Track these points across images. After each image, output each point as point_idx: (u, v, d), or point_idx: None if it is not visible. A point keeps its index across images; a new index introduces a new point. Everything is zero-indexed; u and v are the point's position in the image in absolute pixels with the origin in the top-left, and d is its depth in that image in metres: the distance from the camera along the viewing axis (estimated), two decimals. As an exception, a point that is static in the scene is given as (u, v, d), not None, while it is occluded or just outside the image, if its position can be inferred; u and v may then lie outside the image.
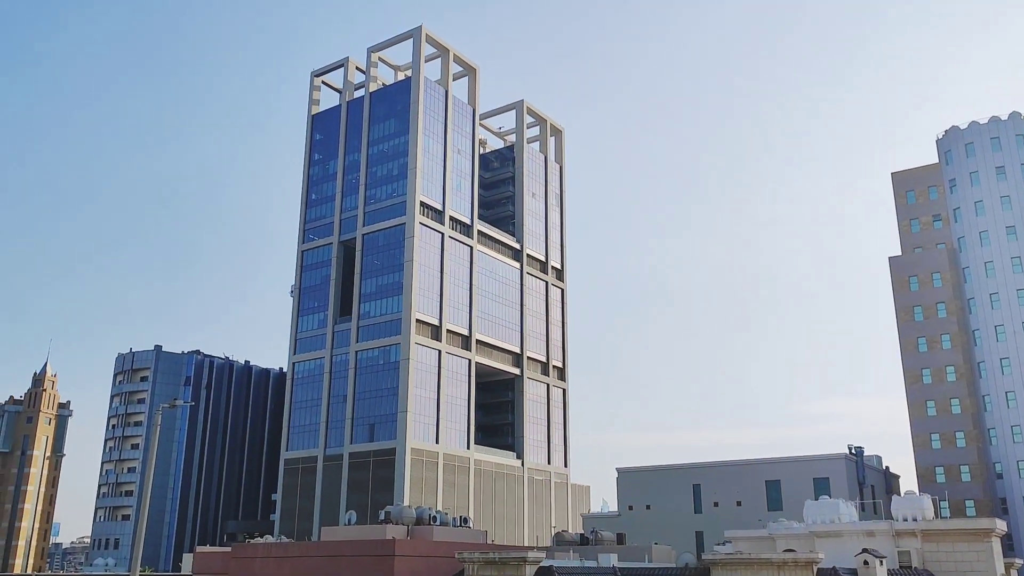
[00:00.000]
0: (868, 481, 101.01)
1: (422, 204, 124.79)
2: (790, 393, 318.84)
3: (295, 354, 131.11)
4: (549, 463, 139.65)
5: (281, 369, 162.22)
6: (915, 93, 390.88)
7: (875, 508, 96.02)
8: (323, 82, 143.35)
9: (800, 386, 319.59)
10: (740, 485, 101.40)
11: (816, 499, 79.46)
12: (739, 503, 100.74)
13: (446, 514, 67.87)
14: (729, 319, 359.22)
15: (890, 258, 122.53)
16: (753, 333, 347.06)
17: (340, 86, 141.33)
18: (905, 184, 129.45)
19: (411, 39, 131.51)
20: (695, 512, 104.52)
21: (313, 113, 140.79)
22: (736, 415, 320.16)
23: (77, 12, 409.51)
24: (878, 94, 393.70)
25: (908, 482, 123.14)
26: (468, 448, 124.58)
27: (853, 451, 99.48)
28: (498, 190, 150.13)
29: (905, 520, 56.74)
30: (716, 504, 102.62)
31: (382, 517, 65.96)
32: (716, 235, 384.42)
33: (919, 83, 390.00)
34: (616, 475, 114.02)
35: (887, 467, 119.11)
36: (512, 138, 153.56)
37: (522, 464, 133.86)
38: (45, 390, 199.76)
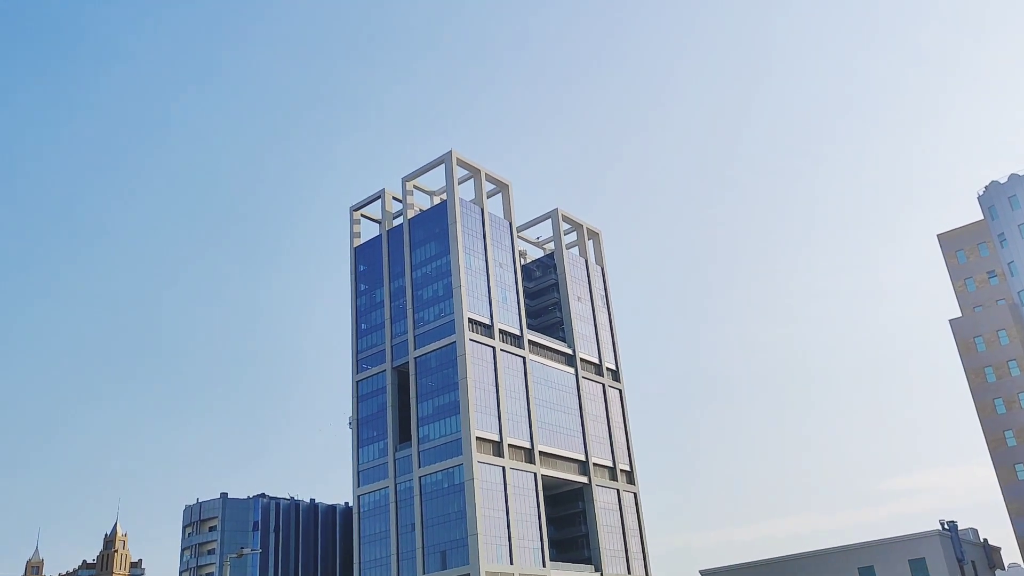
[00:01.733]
0: (967, 557, 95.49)
1: (470, 321, 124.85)
2: (866, 471, 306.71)
3: (359, 486, 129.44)
4: (629, 572, 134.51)
5: (347, 503, 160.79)
6: (946, 153, 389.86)
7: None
8: (362, 215, 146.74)
9: (876, 463, 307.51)
10: (832, 575, 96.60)
11: (916, 582, 75.27)
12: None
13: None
14: (791, 400, 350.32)
15: (951, 321, 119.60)
16: (818, 413, 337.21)
17: (379, 217, 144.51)
18: (953, 244, 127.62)
19: (443, 164, 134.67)
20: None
21: (355, 246, 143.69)
22: (814, 500, 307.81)
23: (118, 168, 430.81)
24: (907, 158, 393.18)
25: (1011, 553, 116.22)
26: (544, 566, 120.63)
27: (946, 527, 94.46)
28: (544, 298, 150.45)
29: (1016, 595, 53.29)
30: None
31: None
32: (766, 316, 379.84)
33: (949, 142, 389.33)
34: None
35: (985, 540, 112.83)
36: (551, 246, 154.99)
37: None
38: (116, 551, 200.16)
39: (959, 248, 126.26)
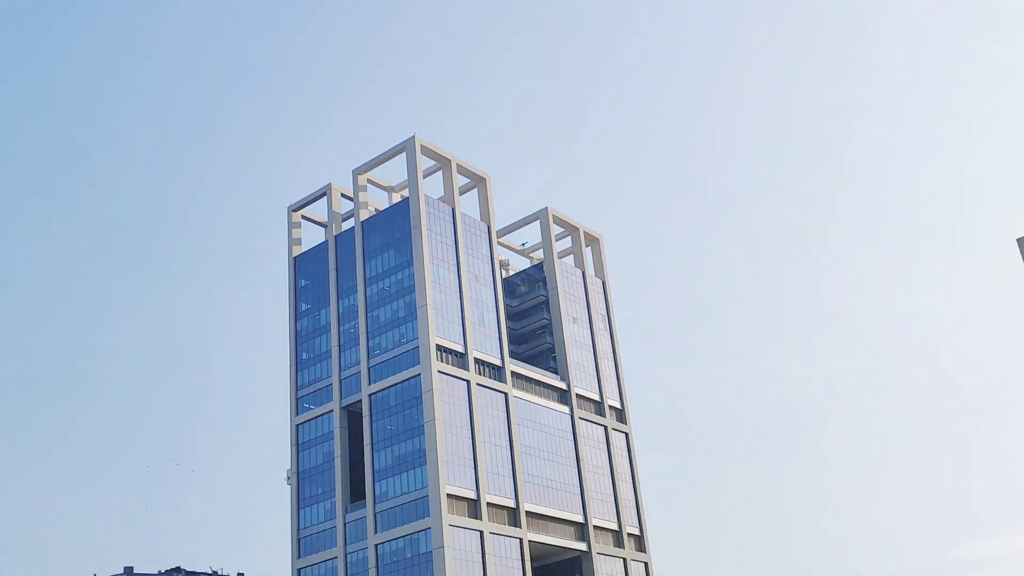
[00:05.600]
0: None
1: (439, 348, 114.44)
2: (937, 536, 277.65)
3: (299, 557, 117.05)
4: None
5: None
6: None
7: None
8: (303, 216, 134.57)
9: (948, 526, 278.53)
10: None
11: None
12: None
13: None
14: (841, 447, 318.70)
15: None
16: (882, 462, 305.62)
17: (324, 219, 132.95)
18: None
19: (404, 153, 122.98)
20: None
21: (295, 255, 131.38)
22: (872, 571, 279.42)
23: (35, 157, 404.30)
24: (978, 154, 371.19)
25: None
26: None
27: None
28: (531, 319, 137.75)
29: None
30: None
31: None
32: (806, 344, 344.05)
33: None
34: None
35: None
36: (540, 254, 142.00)
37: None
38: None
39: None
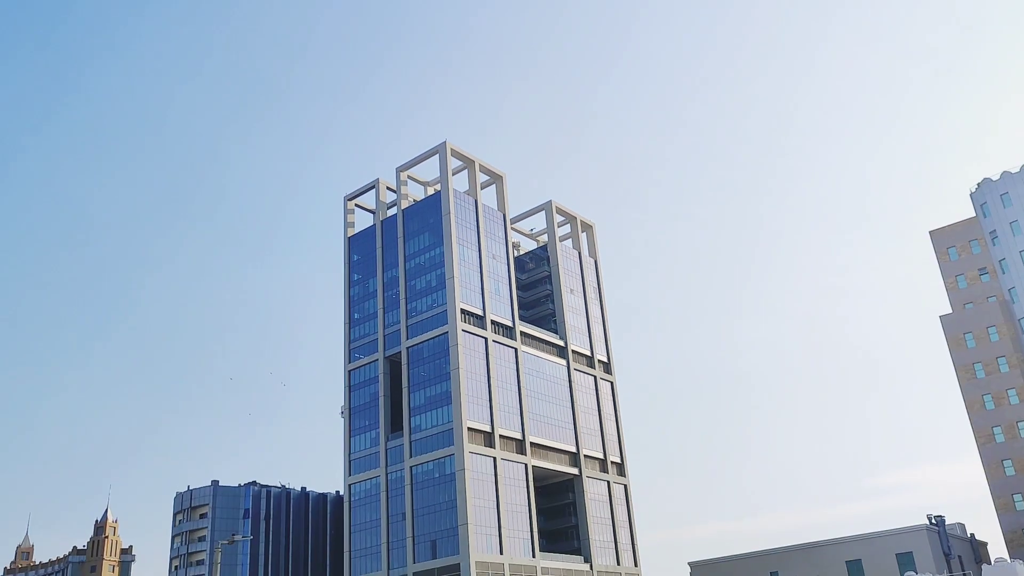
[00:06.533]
0: (954, 552, 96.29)
1: (463, 311, 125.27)
2: (858, 468, 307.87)
3: (350, 475, 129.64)
4: (619, 564, 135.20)
5: (338, 492, 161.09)
6: (940, 150, 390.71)
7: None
8: (356, 204, 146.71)
9: (867, 459, 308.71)
10: (820, 568, 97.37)
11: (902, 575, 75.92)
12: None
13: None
14: (780, 396, 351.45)
15: (941, 317, 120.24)
16: (807, 409, 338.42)
17: (373, 206, 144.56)
18: (945, 241, 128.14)
19: (437, 155, 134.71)
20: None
21: (349, 235, 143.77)
22: (802, 496, 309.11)
23: (114, 160, 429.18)
24: (903, 155, 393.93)
25: (997, 548, 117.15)
26: (534, 556, 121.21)
27: (934, 521, 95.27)
28: (536, 290, 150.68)
29: (1001, 589, 53.86)
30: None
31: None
32: (756, 313, 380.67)
33: (943, 139, 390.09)
34: (689, 570, 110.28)
35: (972, 535, 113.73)
36: (544, 238, 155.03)
37: (591, 567, 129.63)
38: (107, 537, 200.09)
39: (951, 245, 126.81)
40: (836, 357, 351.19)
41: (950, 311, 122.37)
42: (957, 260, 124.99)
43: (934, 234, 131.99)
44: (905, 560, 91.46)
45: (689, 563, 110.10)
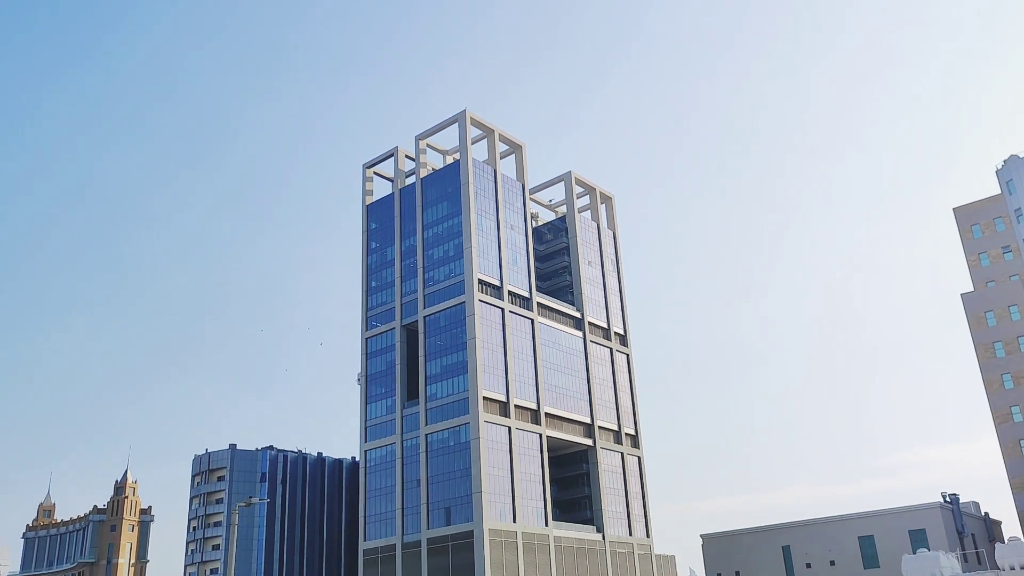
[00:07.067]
0: (967, 530, 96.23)
1: (480, 282, 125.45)
2: (874, 445, 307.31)
3: (366, 441, 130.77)
4: (631, 535, 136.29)
5: (353, 458, 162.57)
6: (964, 127, 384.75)
7: (978, 558, 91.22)
8: (375, 173, 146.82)
9: (883, 437, 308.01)
10: (832, 543, 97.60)
11: (914, 552, 75.89)
12: (832, 563, 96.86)
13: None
14: (798, 372, 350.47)
15: (963, 295, 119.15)
16: (825, 386, 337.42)
17: (391, 175, 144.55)
18: (969, 218, 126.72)
19: (456, 123, 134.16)
20: (787, 575, 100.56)
21: (367, 203, 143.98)
22: (820, 471, 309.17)
23: (132, 122, 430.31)
24: (927, 131, 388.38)
25: (1011, 527, 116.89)
26: (546, 525, 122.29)
27: (948, 499, 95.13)
28: (554, 261, 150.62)
29: (1012, 568, 53.81)
30: (808, 565, 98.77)
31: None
32: (776, 288, 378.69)
33: (971, 116, 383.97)
34: (701, 542, 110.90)
35: (986, 513, 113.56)
36: (563, 209, 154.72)
37: (603, 537, 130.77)
38: (127, 497, 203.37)
39: (975, 222, 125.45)
40: (854, 334, 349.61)
41: (972, 289, 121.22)
42: (980, 238, 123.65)
43: (957, 211, 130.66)
44: (918, 537, 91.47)
45: (701, 535, 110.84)
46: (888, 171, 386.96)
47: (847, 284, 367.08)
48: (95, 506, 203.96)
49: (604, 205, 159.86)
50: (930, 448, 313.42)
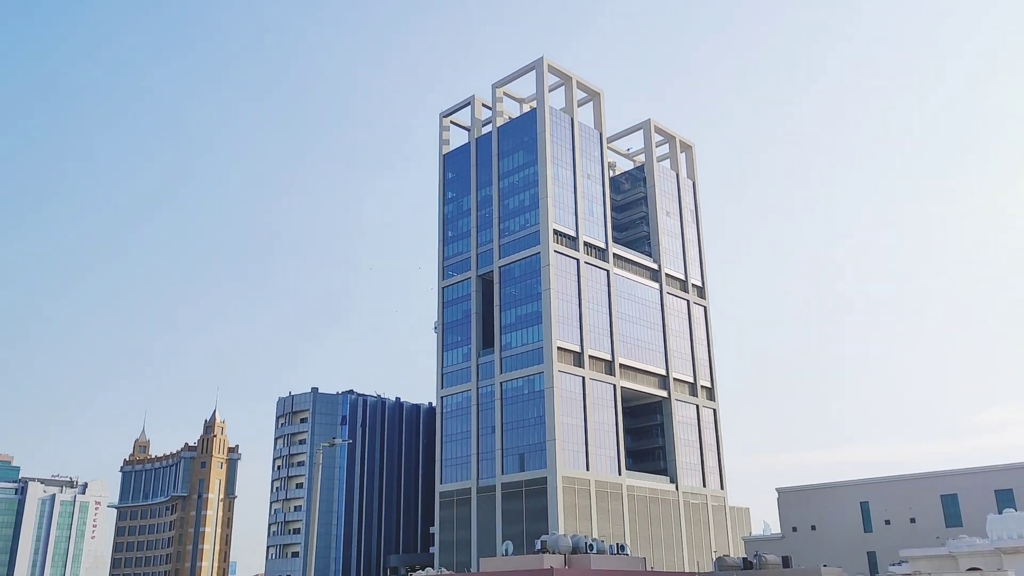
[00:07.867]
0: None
1: (555, 232, 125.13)
2: (957, 404, 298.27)
3: (443, 388, 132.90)
4: (704, 486, 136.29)
5: (431, 404, 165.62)
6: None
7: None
8: (452, 122, 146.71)
9: (967, 395, 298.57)
10: (913, 501, 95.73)
11: (1000, 513, 73.88)
12: (913, 520, 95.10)
13: (602, 541, 67.07)
14: (883, 328, 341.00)
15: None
16: (911, 341, 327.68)
17: (468, 124, 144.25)
18: None
19: (533, 71, 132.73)
20: (864, 531, 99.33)
21: (444, 153, 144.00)
22: (901, 430, 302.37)
23: (209, 69, 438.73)
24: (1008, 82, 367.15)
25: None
26: (620, 474, 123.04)
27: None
28: (631, 211, 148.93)
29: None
30: (887, 522, 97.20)
31: (538, 547, 65.91)
32: (866, 241, 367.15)
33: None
34: (777, 495, 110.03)
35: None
36: (641, 158, 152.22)
37: (676, 488, 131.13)
38: (215, 436, 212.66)
39: None
40: (946, 287, 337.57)
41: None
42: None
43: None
44: (1005, 497, 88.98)
45: (777, 489, 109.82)
46: (985, 113, 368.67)
47: (948, 234, 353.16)
48: (186, 443, 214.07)
49: (684, 154, 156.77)
50: (1018, 407, 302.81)
